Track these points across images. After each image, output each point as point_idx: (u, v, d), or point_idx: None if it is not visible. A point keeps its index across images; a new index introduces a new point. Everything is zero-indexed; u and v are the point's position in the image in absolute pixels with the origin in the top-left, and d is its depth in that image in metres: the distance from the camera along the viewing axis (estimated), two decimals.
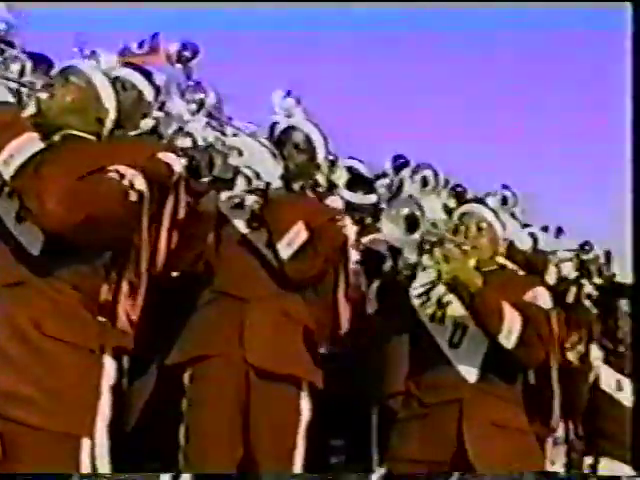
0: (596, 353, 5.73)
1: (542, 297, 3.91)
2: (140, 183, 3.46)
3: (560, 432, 5.68)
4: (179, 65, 4.45)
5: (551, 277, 6.28)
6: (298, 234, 4.12)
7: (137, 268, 3.58)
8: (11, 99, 3.72)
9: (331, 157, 5.42)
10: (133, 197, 3.42)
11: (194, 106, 4.47)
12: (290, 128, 4.40)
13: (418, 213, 3.65)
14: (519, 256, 5.38)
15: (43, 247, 3.31)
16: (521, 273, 4.18)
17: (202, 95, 4.56)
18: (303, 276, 4.14)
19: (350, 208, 5.07)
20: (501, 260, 4.07)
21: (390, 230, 3.69)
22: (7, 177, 3.26)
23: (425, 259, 3.68)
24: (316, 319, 4.21)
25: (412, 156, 6.05)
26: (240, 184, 4.08)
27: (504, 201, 6.18)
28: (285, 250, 4.10)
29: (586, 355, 5.77)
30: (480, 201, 4.31)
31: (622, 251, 4.54)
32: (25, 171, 3.25)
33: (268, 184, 4.09)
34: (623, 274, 7.99)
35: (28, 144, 3.31)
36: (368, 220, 5.38)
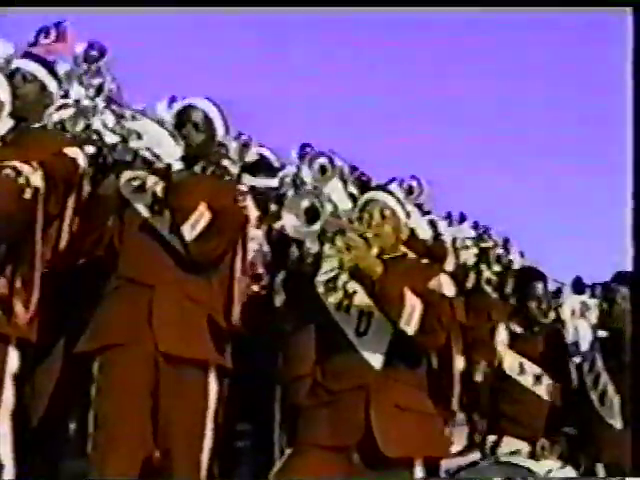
0: (501, 336, 5.89)
1: (446, 285, 4.00)
2: (36, 180, 3.45)
3: (461, 414, 5.85)
4: (85, 65, 4.42)
5: (450, 265, 6.43)
6: (201, 216, 4.12)
7: (31, 264, 3.56)
8: None
9: (244, 139, 5.43)
10: (28, 194, 3.41)
11: (92, 91, 4.44)
12: (188, 107, 4.37)
13: (318, 204, 3.69)
14: (419, 245, 5.49)
15: None
16: (424, 261, 4.24)
17: (100, 80, 4.54)
18: (207, 257, 4.16)
19: (254, 193, 5.10)
20: (404, 248, 4.14)
21: (291, 222, 3.73)
22: None
23: (327, 248, 3.73)
24: (216, 298, 4.25)
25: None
26: (140, 166, 4.09)
27: (410, 191, 6.29)
28: (189, 233, 4.11)
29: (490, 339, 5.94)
30: (383, 188, 4.37)
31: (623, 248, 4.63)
32: None
33: (169, 166, 4.10)
34: (520, 260, 8.25)
35: None
36: (272, 207, 5.43)
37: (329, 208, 3.74)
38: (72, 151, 4.03)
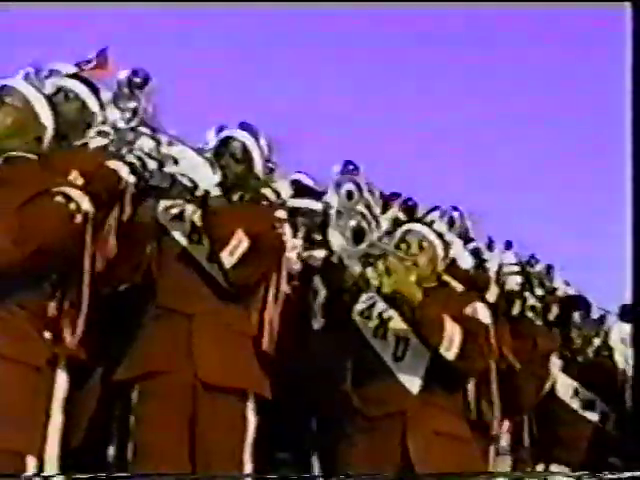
0: (554, 361, 5.85)
1: (480, 312, 4.01)
2: (86, 204, 3.47)
3: (504, 442, 5.78)
4: (127, 91, 4.44)
5: (492, 294, 6.38)
6: (240, 242, 4.14)
7: (79, 287, 3.59)
8: None
9: (270, 166, 5.43)
10: (79, 219, 3.44)
11: (128, 114, 4.47)
12: (228, 138, 4.43)
13: (365, 225, 3.72)
14: (461, 274, 5.46)
15: None
16: (459, 289, 4.25)
17: (135, 103, 4.56)
18: (246, 282, 4.18)
19: (297, 214, 5.03)
20: (442, 276, 4.15)
21: (337, 241, 3.75)
22: None
23: (369, 271, 3.74)
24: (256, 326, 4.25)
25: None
26: (178, 194, 4.12)
27: (451, 223, 6.23)
28: (228, 259, 4.13)
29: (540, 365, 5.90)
30: (423, 221, 4.39)
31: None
32: None
33: (207, 192, 4.12)
34: (565, 288, 8.17)
35: None
36: (317, 236, 5.39)
37: (375, 229, 3.76)
38: (114, 164, 4.07)
